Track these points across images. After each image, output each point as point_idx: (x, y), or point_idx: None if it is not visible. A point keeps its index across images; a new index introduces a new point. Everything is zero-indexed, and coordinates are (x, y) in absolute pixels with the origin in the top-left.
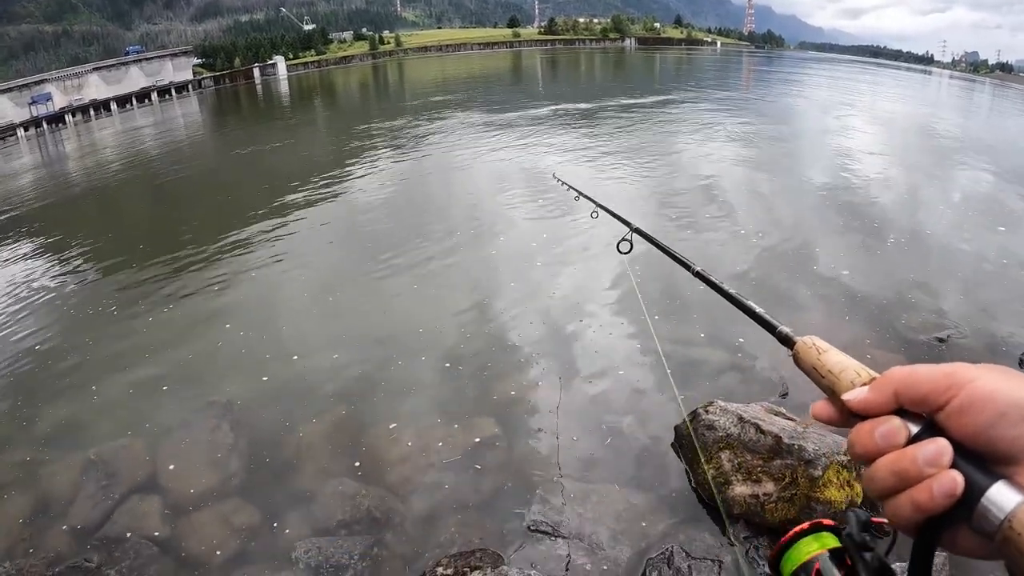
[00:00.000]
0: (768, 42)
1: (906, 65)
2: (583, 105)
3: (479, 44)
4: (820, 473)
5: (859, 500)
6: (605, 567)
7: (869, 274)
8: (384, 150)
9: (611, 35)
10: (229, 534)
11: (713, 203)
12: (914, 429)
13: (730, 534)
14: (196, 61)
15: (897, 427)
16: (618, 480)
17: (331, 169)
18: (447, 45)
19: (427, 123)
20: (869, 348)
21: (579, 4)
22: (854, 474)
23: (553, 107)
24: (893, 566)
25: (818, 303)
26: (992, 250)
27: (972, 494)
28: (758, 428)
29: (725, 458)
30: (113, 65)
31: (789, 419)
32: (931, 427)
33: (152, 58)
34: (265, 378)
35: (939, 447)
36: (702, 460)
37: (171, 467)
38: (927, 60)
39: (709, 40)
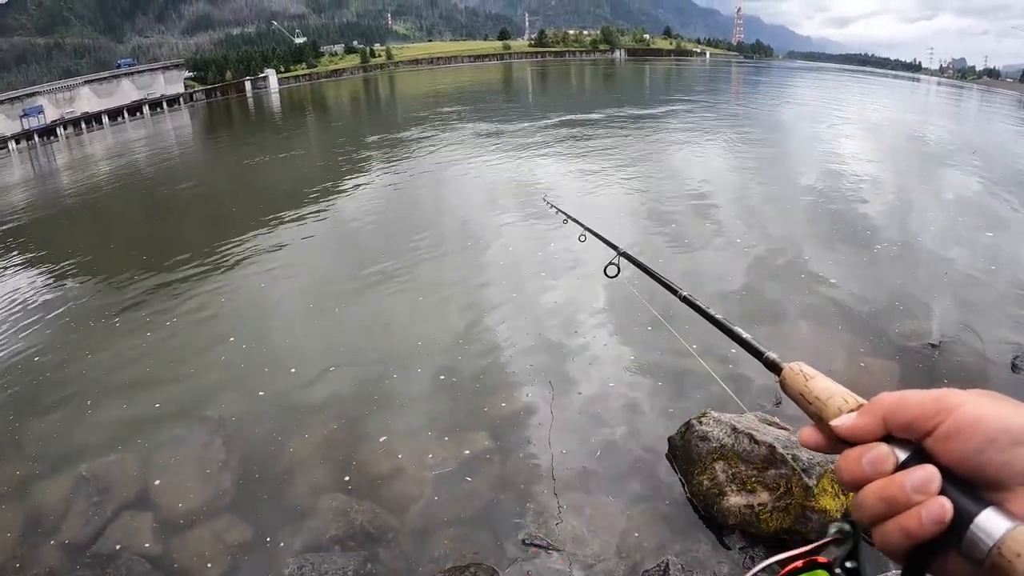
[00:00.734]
0: (757, 52)
1: (894, 73)
2: (574, 117)
3: (470, 57)
4: (814, 482)
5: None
6: None
7: (861, 282)
8: (375, 165)
9: (601, 47)
10: (222, 550)
11: (703, 215)
12: (902, 456)
13: (728, 544)
14: (188, 74)
15: (885, 454)
16: (612, 492)
17: (323, 184)
18: (438, 58)
19: (418, 138)
20: (863, 356)
21: (569, 16)
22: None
23: (544, 121)
24: None
25: (811, 313)
26: (981, 255)
27: (961, 521)
28: (752, 438)
29: (719, 468)
30: (105, 78)
31: (783, 429)
32: (919, 453)
33: (144, 71)
34: (258, 393)
35: (927, 474)
36: (696, 471)
37: (163, 483)
38: (915, 67)
39: (698, 51)
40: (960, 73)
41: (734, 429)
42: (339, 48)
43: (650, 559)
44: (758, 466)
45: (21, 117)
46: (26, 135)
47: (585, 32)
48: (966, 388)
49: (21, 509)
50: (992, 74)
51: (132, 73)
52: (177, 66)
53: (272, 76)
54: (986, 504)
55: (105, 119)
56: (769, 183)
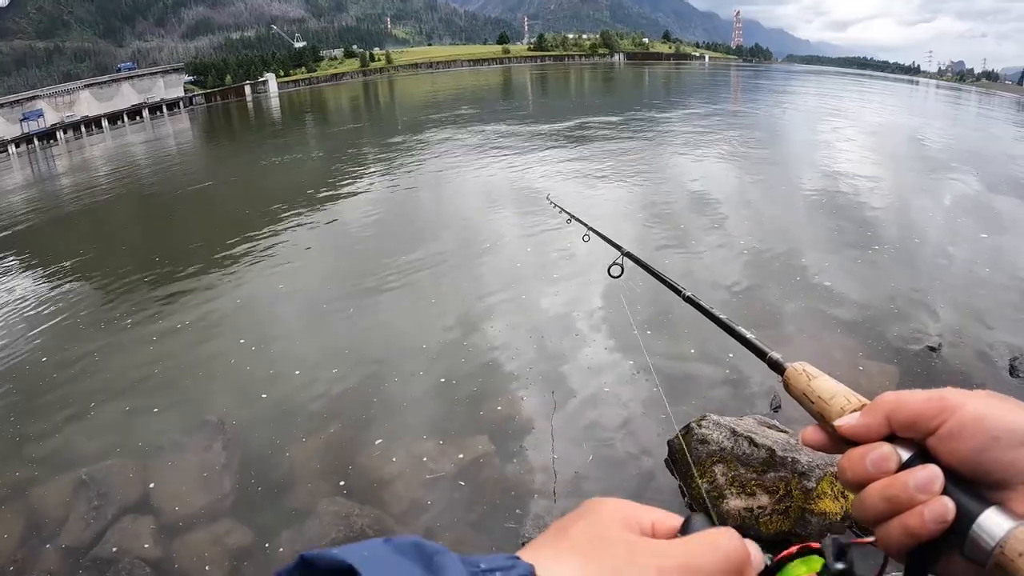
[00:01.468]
0: (756, 56)
1: (893, 76)
2: (574, 121)
3: (469, 61)
4: (814, 485)
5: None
6: None
7: (860, 284)
8: (376, 169)
9: (600, 51)
10: (222, 554)
11: (702, 216)
12: (905, 455)
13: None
14: (187, 78)
15: (888, 453)
16: (612, 496)
17: (325, 188)
18: (437, 62)
19: (419, 141)
20: (861, 359)
21: (568, 20)
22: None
23: (544, 124)
24: None
25: (809, 315)
26: (980, 258)
27: (963, 520)
28: (751, 441)
29: (719, 472)
30: (105, 82)
31: (782, 432)
32: (922, 454)
33: (144, 75)
34: (260, 397)
35: (930, 473)
36: (696, 474)
37: (163, 487)
38: (914, 71)
39: (697, 55)
40: (959, 76)
41: (734, 432)
42: (339, 52)
43: None
44: (758, 469)
45: (21, 121)
46: (26, 139)
47: (584, 36)
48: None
49: (21, 512)
50: (991, 77)
51: (132, 77)
52: (177, 70)
53: (272, 80)
54: (988, 504)
55: (105, 123)
56: (769, 185)
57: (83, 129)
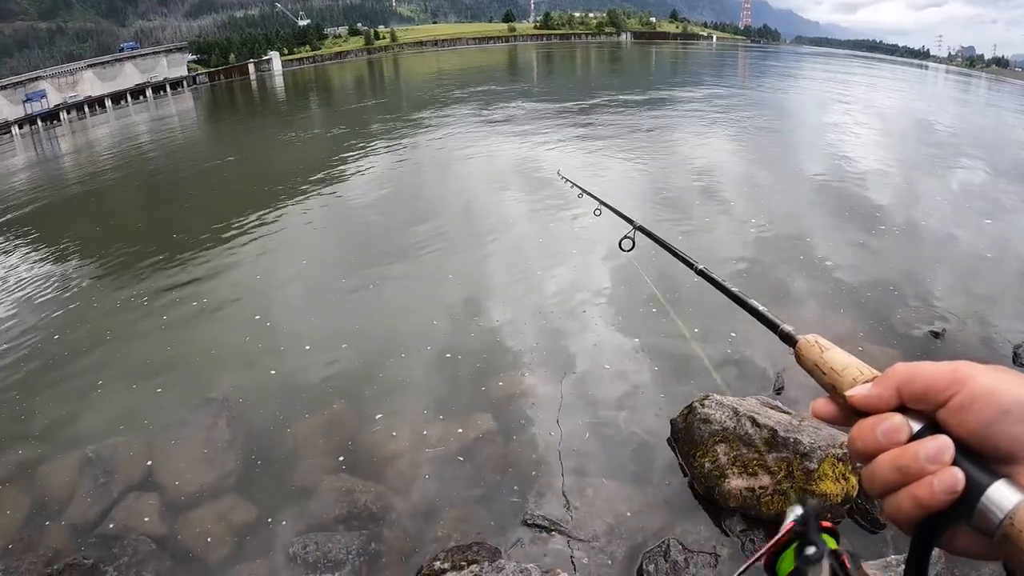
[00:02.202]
0: (764, 36)
1: (902, 60)
2: (582, 100)
3: (474, 39)
4: (816, 466)
5: (854, 493)
6: (602, 560)
7: (865, 267)
8: (384, 147)
9: (607, 30)
10: (226, 530)
11: (711, 197)
12: (916, 427)
13: (728, 527)
14: (191, 57)
15: (899, 424)
16: (614, 474)
17: (330, 166)
18: (442, 40)
19: (425, 120)
20: (864, 342)
21: None
22: (849, 467)
23: (552, 102)
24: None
25: (815, 297)
26: (987, 243)
27: (972, 492)
28: (754, 421)
29: (721, 451)
30: (108, 62)
31: (785, 412)
32: (933, 426)
33: (147, 54)
34: (265, 374)
35: (941, 443)
36: (698, 454)
37: (168, 464)
38: (923, 55)
39: (705, 35)
40: (969, 61)
41: (736, 412)
42: (343, 30)
43: (651, 540)
44: (759, 449)
45: (24, 102)
46: (29, 120)
47: (591, 14)
48: None
49: (28, 490)
50: (1001, 63)
51: (135, 57)
52: (180, 49)
53: (276, 59)
54: (998, 476)
55: (108, 103)
56: (776, 166)
57: (86, 109)
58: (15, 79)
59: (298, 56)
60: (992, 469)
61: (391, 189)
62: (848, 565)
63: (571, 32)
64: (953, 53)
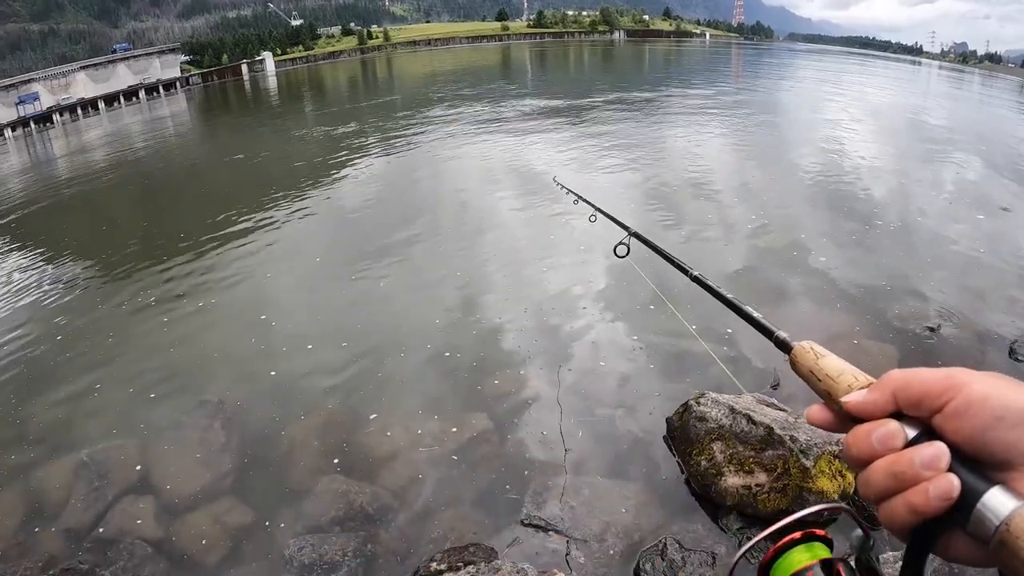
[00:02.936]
0: (757, 34)
1: (895, 56)
2: (576, 100)
3: (468, 38)
4: (812, 463)
5: (851, 490)
6: (599, 559)
7: (860, 264)
8: (376, 149)
9: (600, 28)
10: (222, 533)
11: (707, 196)
12: (911, 433)
13: (725, 525)
14: (184, 58)
15: (894, 430)
16: (611, 473)
17: (325, 167)
18: (436, 39)
19: (420, 120)
20: (861, 339)
21: None
22: (846, 464)
23: (546, 103)
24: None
25: (809, 294)
26: (981, 239)
27: (968, 498)
28: (750, 419)
29: (717, 449)
30: (100, 63)
31: (780, 410)
32: (928, 432)
33: (139, 56)
34: (262, 375)
35: (936, 450)
36: (694, 452)
37: (164, 467)
38: (916, 51)
39: (698, 32)
40: (962, 57)
41: (732, 410)
42: (336, 30)
43: (648, 539)
44: (756, 447)
45: (17, 104)
46: (22, 122)
47: (584, 13)
48: None
49: (23, 494)
50: (994, 59)
51: (128, 58)
52: (173, 50)
53: (269, 59)
54: (993, 483)
55: (101, 104)
56: (771, 165)
57: (79, 111)
58: (8, 81)
59: (291, 56)
60: (987, 475)
61: (385, 191)
62: (842, 574)
63: (564, 31)
64: (946, 49)
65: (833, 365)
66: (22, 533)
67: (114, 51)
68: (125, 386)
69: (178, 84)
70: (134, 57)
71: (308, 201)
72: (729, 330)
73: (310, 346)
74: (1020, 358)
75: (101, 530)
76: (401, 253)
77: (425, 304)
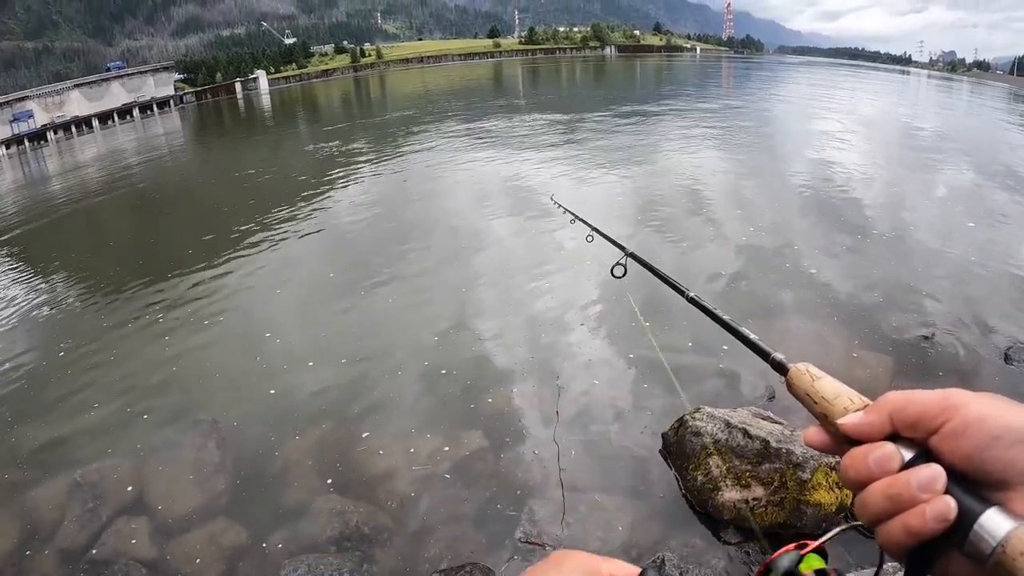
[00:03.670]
0: (748, 47)
1: (885, 66)
2: (569, 116)
3: (460, 55)
4: (809, 476)
5: (848, 502)
6: None
7: (854, 275)
8: (371, 167)
9: (591, 43)
10: (218, 553)
11: (698, 209)
12: (907, 455)
13: (724, 539)
14: (178, 76)
15: (891, 452)
16: (607, 489)
17: (320, 185)
18: (428, 57)
19: (413, 138)
20: (857, 348)
21: (559, 13)
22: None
23: (539, 120)
24: None
25: (804, 306)
26: (973, 247)
27: (965, 520)
28: (746, 433)
29: (713, 464)
30: (95, 81)
31: (776, 423)
32: (925, 454)
33: (133, 74)
34: (256, 393)
35: (933, 472)
36: (690, 467)
37: (158, 487)
38: (905, 60)
39: (688, 46)
40: (950, 66)
41: (728, 424)
42: (329, 48)
43: (646, 554)
44: (752, 461)
45: (11, 122)
46: (16, 140)
47: (575, 29)
48: (959, 380)
49: (16, 515)
50: (982, 67)
51: (122, 76)
52: (167, 68)
53: (262, 77)
54: (990, 504)
55: (95, 123)
56: (763, 178)
57: (73, 129)
58: (2, 99)
59: (284, 75)
60: (984, 496)
61: (380, 211)
62: None
63: (556, 47)
64: (935, 58)
65: (829, 387)
66: (16, 554)
67: (108, 69)
68: (120, 405)
69: (172, 102)
70: (128, 75)
71: (303, 220)
72: (726, 346)
73: (309, 364)
74: (1015, 363)
75: (95, 551)
76: (396, 271)
77: (421, 323)
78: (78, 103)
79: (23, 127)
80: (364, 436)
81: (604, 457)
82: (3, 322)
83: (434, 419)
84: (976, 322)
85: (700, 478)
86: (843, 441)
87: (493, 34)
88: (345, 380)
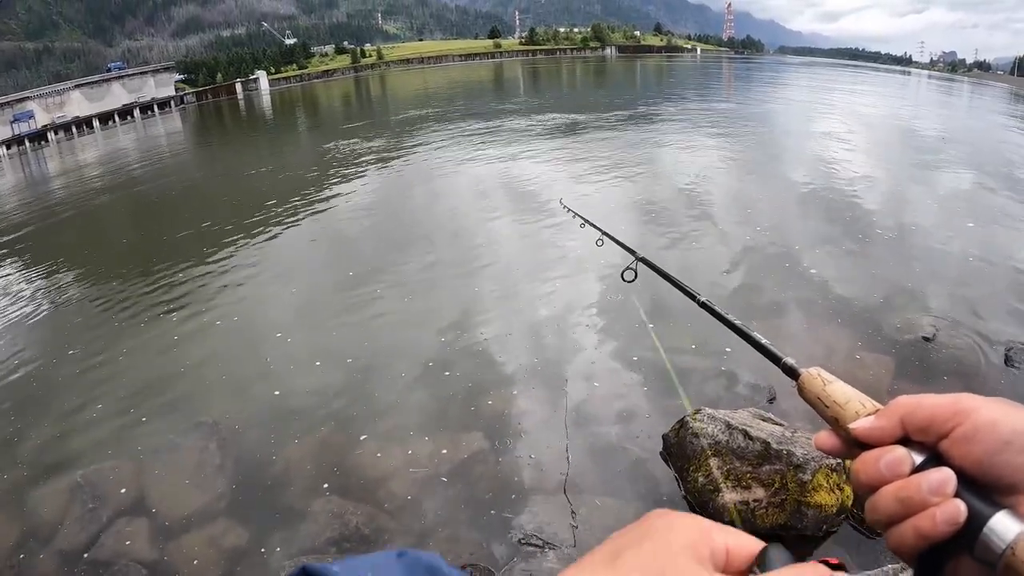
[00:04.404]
0: (748, 48)
1: (885, 67)
2: (571, 116)
3: (460, 56)
4: (810, 477)
5: (849, 503)
6: None
7: (856, 276)
8: (373, 167)
9: (591, 44)
10: (217, 555)
11: (700, 211)
12: (918, 459)
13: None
14: (178, 77)
15: (902, 456)
16: (608, 491)
17: (322, 185)
18: (429, 57)
19: (415, 139)
20: (859, 350)
21: (559, 14)
22: (844, 477)
23: (541, 122)
24: None
25: (806, 308)
26: (973, 248)
27: (975, 523)
28: (746, 434)
29: (714, 465)
30: (95, 82)
31: (777, 424)
32: (935, 458)
33: (134, 74)
34: (257, 395)
35: (944, 476)
36: (691, 468)
37: (158, 489)
38: (906, 61)
39: (689, 47)
40: (951, 66)
41: (728, 425)
42: (329, 49)
43: None
44: (753, 462)
45: (11, 123)
46: (17, 141)
47: (576, 30)
48: (960, 382)
49: (16, 516)
50: (983, 67)
51: (122, 77)
52: (167, 69)
53: (263, 78)
54: (1000, 507)
55: (96, 123)
56: (765, 180)
57: (74, 130)
58: (2, 99)
59: (285, 75)
60: (994, 500)
61: (384, 212)
62: None
63: (556, 47)
64: (935, 59)
65: (840, 391)
66: (16, 555)
67: (109, 69)
68: (121, 406)
69: (172, 103)
70: (129, 76)
71: (306, 221)
72: (728, 348)
73: (316, 364)
74: (1016, 365)
75: (95, 552)
76: (401, 273)
77: (428, 324)
78: (79, 103)
79: (24, 127)
80: (366, 439)
81: (604, 458)
82: (6, 321)
83: (435, 420)
84: (977, 323)
85: (701, 479)
86: (854, 445)
87: (494, 35)
88: (346, 384)
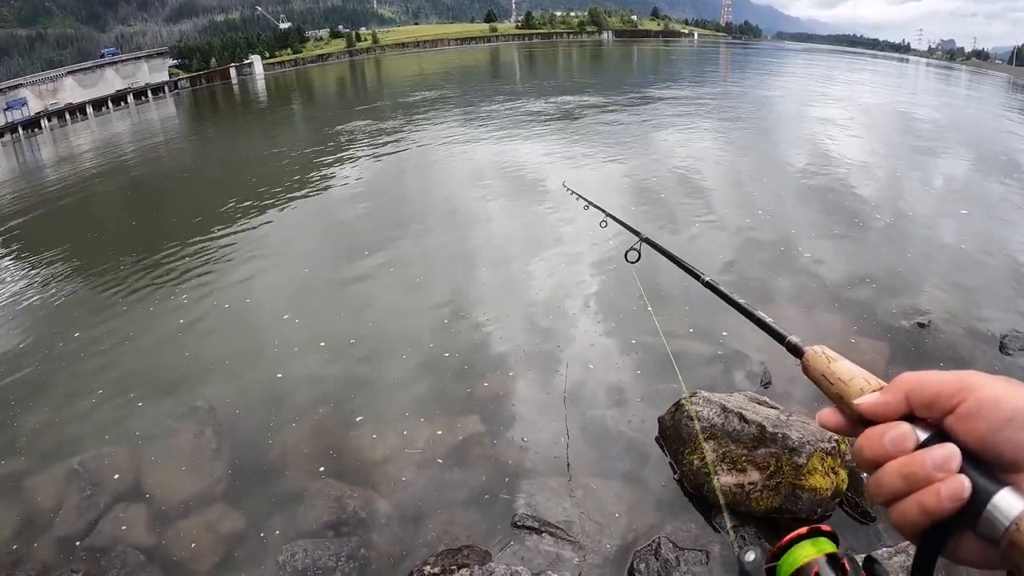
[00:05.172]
0: (745, 33)
1: (883, 54)
2: (570, 99)
3: (456, 40)
4: (804, 461)
5: (844, 487)
6: (592, 560)
7: (850, 263)
8: (370, 151)
9: (588, 28)
10: (215, 539)
11: (697, 195)
12: (922, 436)
13: (718, 524)
14: (172, 62)
15: (906, 432)
16: (603, 474)
17: (319, 169)
18: (424, 41)
19: (414, 124)
20: (854, 335)
21: None
22: (838, 461)
23: (539, 105)
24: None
25: (802, 293)
26: (967, 234)
27: (978, 499)
28: (742, 417)
29: (709, 448)
30: (88, 68)
31: (772, 407)
32: (940, 435)
33: (127, 60)
34: (248, 382)
35: (948, 451)
36: (687, 451)
37: (155, 474)
38: (904, 48)
39: (686, 32)
40: (949, 55)
41: (724, 409)
42: (324, 33)
43: (642, 539)
44: (748, 445)
45: (4, 110)
46: (10, 128)
47: (572, 14)
48: (954, 368)
49: (14, 503)
50: (981, 56)
51: (116, 62)
52: (161, 54)
53: (257, 62)
54: (1004, 484)
55: (90, 110)
56: (761, 165)
57: (68, 116)
58: None
59: (280, 60)
60: (998, 477)
61: (384, 195)
62: (848, 568)
63: (553, 31)
64: (934, 47)
65: (845, 369)
66: (14, 542)
67: (102, 55)
68: (118, 392)
69: (166, 88)
70: (122, 61)
71: (304, 205)
72: (725, 332)
73: (302, 353)
74: (1010, 352)
75: (93, 538)
76: (400, 255)
77: (428, 306)
78: (72, 90)
79: (17, 115)
80: (362, 422)
81: (600, 441)
82: (3, 308)
83: (433, 403)
84: (972, 310)
85: (696, 462)
86: (858, 422)
87: (490, 18)
88: (342, 367)
